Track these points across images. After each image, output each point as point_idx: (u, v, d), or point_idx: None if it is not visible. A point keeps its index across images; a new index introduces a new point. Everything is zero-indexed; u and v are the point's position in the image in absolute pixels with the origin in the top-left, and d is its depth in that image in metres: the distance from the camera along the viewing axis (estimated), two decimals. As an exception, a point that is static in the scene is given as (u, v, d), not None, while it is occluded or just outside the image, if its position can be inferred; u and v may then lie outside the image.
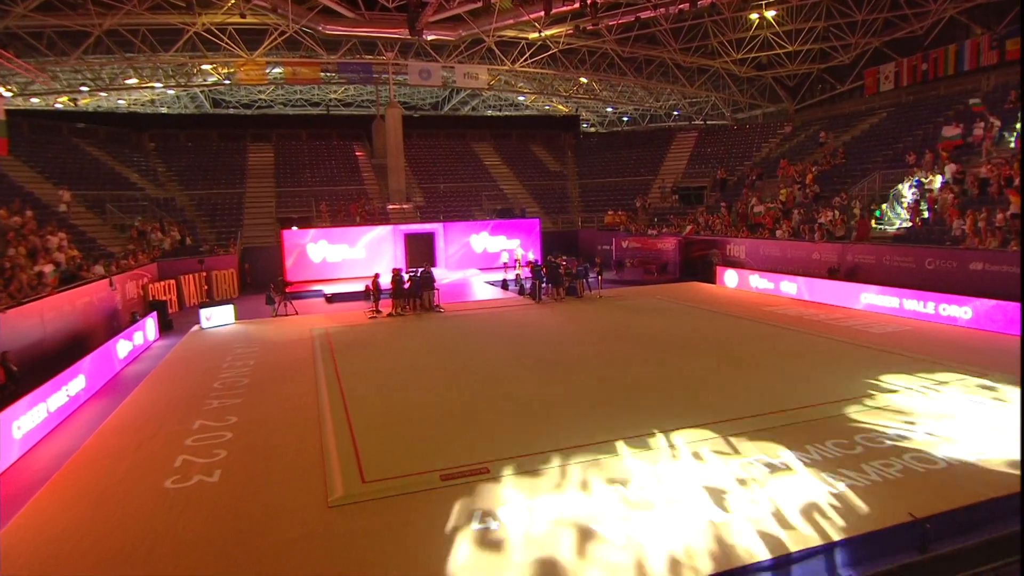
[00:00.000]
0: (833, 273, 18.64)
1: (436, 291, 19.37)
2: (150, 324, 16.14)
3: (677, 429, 8.41)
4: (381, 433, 8.84)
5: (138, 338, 14.85)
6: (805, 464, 7.20)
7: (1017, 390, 9.35)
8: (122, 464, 7.99)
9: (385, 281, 19.23)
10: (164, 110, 39.66)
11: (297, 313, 19.20)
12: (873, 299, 16.44)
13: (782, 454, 7.49)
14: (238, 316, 18.32)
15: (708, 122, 40.44)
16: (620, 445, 7.93)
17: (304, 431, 8.99)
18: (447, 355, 13.40)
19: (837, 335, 13.85)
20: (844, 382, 10.29)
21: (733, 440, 8.00)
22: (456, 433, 8.72)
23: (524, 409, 9.62)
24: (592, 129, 48.97)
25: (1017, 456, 7.09)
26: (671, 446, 7.90)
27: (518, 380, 11.24)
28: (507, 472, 7.30)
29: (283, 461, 7.93)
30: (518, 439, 8.35)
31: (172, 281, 21.17)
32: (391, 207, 30.48)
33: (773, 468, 7.13)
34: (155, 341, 16.25)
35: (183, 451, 8.33)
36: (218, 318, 17.76)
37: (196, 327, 17.41)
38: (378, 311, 18.52)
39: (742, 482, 6.82)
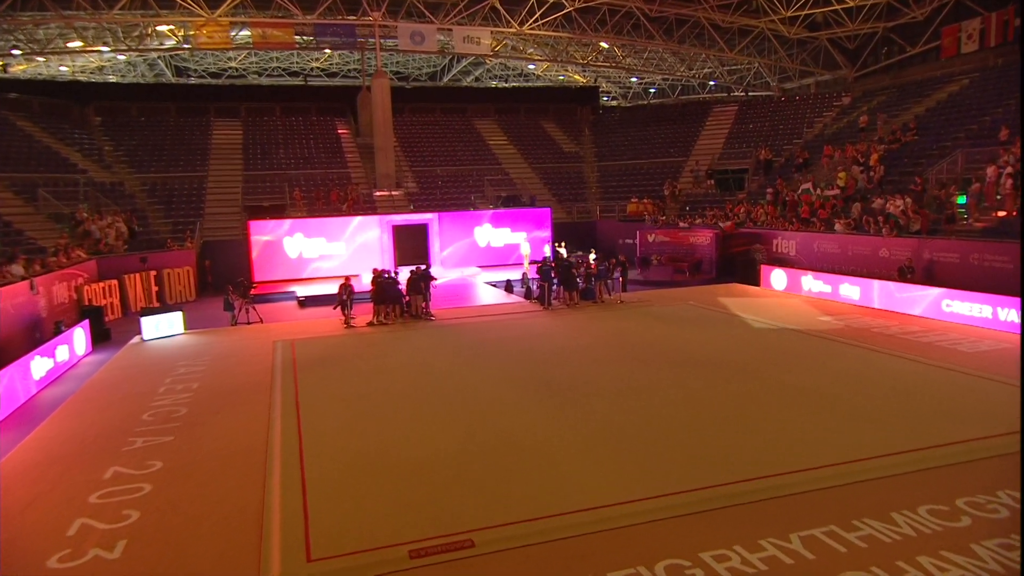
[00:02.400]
0: (904, 274, 17.56)
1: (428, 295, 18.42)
2: (79, 335, 15.32)
3: (719, 485, 7.39)
4: (341, 487, 7.93)
5: (61, 353, 14.01)
6: (892, 542, 6.14)
7: None
8: (2, 532, 7.07)
9: (366, 281, 18.28)
10: (113, 78, 38.95)
11: (262, 321, 18.39)
12: (958, 307, 15.34)
13: (859, 526, 6.42)
14: (189, 325, 17.53)
15: (750, 93, 39.55)
16: (651, 508, 6.92)
17: (244, 482, 8.12)
18: (432, 378, 12.55)
19: (917, 354, 12.81)
20: (934, 421, 9.22)
21: (789, 501, 6.97)
22: (436, 488, 7.77)
23: (524, 454, 8.67)
24: (613, 103, 48.12)
25: None
26: (711, 509, 6.88)
27: (518, 413, 10.31)
28: (497, 546, 6.36)
29: (210, 527, 7.03)
30: (514, 497, 7.41)
31: (114, 282, 20.43)
32: (378, 194, 29.69)
33: (849, 547, 6.07)
34: (85, 356, 15.44)
35: (84, 512, 7.42)
36: (164, 327, 16.94)
37: (137, 339, 16.61)
38: (353, 320, 17.59)
39: (796, 570, 5.77)
